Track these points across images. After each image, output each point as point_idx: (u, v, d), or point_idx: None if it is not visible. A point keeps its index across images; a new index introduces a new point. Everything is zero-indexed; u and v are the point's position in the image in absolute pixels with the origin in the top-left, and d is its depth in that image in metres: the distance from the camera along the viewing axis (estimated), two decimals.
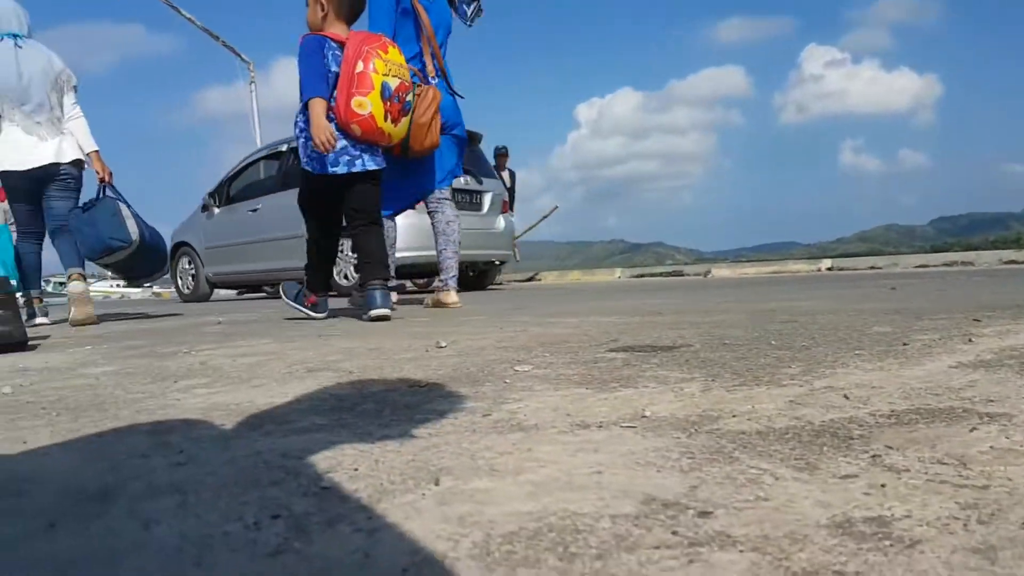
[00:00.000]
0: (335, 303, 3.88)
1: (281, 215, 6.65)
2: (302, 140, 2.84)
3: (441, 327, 2.57)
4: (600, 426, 0.90)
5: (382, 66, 2.69)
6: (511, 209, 8.65)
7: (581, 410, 1.00)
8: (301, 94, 2.76)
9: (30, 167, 3.62)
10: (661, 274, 11.51)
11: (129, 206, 3.89)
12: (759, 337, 1.80)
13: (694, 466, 0.72)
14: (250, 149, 8.38)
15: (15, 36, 3.63)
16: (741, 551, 0.50)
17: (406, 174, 3.36)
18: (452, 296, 3.59)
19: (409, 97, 2.87)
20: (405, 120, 2.89)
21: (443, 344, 1.94)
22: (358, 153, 2.81)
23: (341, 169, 2.79)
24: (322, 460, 0.80)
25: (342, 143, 2.77)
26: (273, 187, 7.31)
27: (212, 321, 3.73)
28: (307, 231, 3.06)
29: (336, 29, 2.82)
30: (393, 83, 2.73)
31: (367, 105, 2.67)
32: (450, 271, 3.62)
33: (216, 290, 8.97)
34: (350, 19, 2.88)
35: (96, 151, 3.89)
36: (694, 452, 0.77)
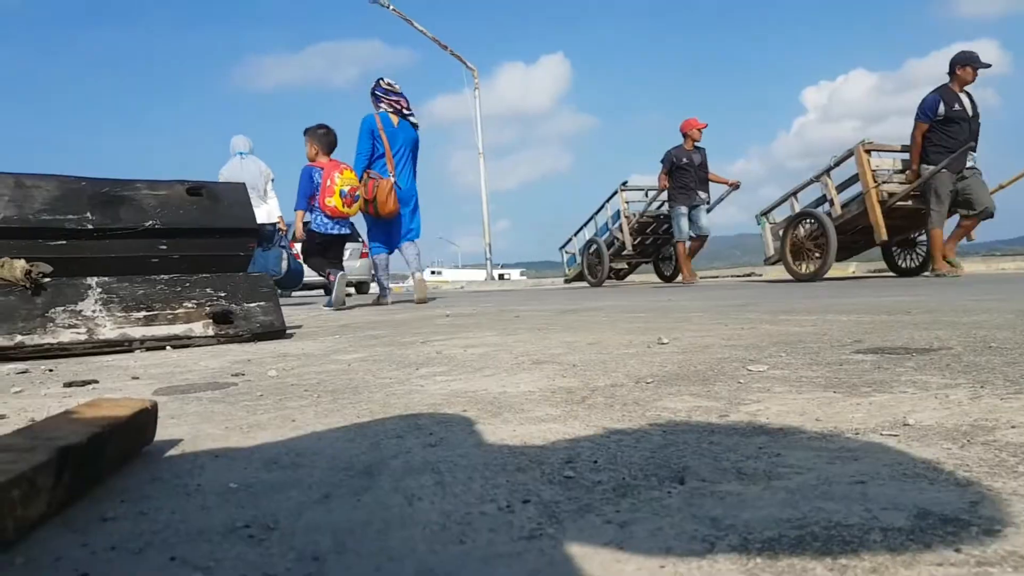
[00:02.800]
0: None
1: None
2: (310, 216, 5.44)
3: (662, 323, 2.53)
4: (857, 433, 0.83)
5: (340, 181, 5.21)
6: (974, 152, 6.42)
7: (832, 415, 0.93)
8: (297, 202, 5.46)
9: None
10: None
11: (288, 251, 7.19)
12: None
13: (972, 480, 0.64)
14: (473, 153, 9.55)
15: (242, 154, 7.03)
16: None
17: (391, 232, 5.69)
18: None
19: (358, 193, 5.28)
20: (356, 204, 5.30)
21: (665, 340, 1.91)
22: (335, 224, 5.38)
23: (325, 231, 5.40)
24: (561, 450, 0.81)
25: (327, 220, 5.35)
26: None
27: (441, 314, 3.99)
28: (311, 259, 5.60)
29: (322, 159, 5.41)
30: (346, 188, 5.22)
31: (331, 201, 5.21)
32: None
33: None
34: (329, 152, 5.47)
35: (280, 216, 7.15)
36: (970, 465, 0.69)
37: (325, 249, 5.55)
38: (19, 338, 2.28)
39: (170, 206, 2.81)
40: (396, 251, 5.80)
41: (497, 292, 10.74)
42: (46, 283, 2.41)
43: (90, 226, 2.62)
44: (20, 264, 2.37)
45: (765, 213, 7.97)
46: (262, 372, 1.65)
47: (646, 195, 9.46)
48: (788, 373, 1.28)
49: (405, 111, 5.60)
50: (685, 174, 8.28)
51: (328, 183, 5.19)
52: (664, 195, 8.84)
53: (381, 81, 5.60)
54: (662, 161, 8.48)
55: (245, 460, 0.82)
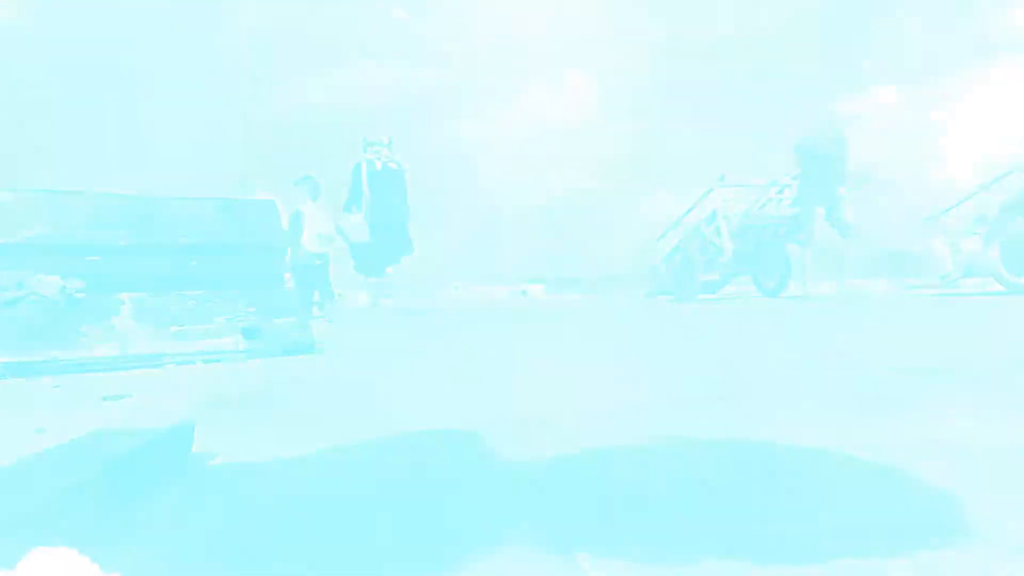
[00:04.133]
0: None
1: None
2: (293, 251, 6.02)
3: (693, 344, 2.51)
4: (892, 453, 0.81)
5: (320, 224, 6.11)
6: None
7: (867, 435, 0.91)
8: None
9: None
10: None
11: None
12: None
13: (1014, 500, 0.63)
14: None
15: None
16: None
17: (375, 259, 6.50)
18: None
19: (334, 234, 6.15)
20: (332, 243, 6.15)
21: (694, 362, 1.89)
22: (314, 257, 6.16)
23: (307, 263, 6.16)
24: (596, 471, 0.80)
25: (309, 254, 6.15)
26: None
27: (465, 331, 3.99)
28: (298, 287, 6.23)
29: (308, 205, 6.21)
30: (324, 230, 6.13)
31: (313, 240, 6.07)
32: None
33: None
34: (314, 198, 6.31)
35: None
36: (1010, 487, 0.67)
37: (310, 276, 6.81)
38: (53, 352, 2.32)
39: (201, 223, 2.85)
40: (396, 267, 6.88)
41: (521, 309, 10.72)
42: (79, 298, 2.45)
43: (123, 242, 2.67)
44: (54, 280, 2.41)
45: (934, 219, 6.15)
46: (293, 387, 1.67)
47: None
48: (820, 396, 1.26)
49: (384, 158, 6.73)
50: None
51: (311, 225, 6.57)
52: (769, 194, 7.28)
53: (365, 138, 6.79)
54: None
55: (283, 474, 0.82)
